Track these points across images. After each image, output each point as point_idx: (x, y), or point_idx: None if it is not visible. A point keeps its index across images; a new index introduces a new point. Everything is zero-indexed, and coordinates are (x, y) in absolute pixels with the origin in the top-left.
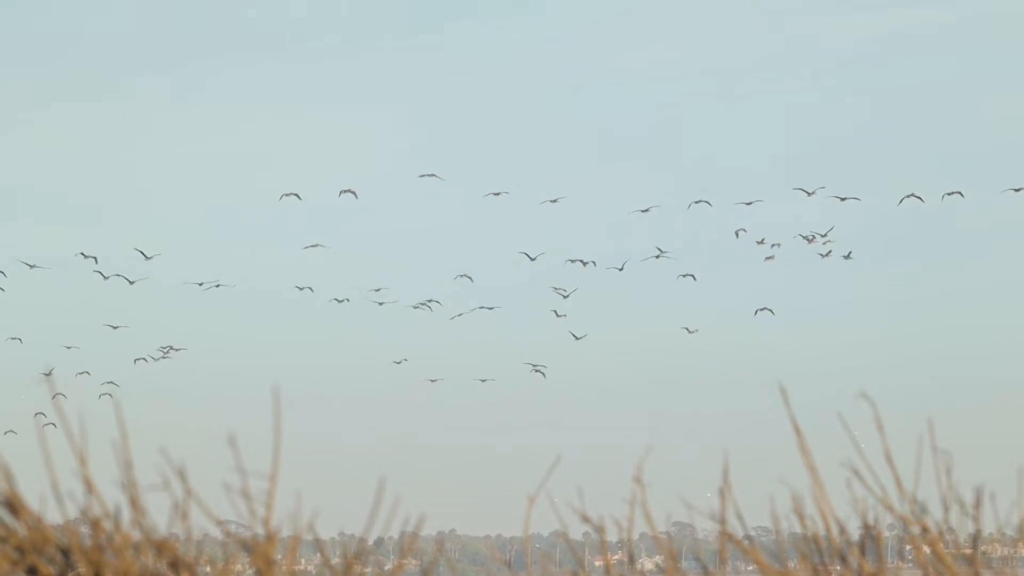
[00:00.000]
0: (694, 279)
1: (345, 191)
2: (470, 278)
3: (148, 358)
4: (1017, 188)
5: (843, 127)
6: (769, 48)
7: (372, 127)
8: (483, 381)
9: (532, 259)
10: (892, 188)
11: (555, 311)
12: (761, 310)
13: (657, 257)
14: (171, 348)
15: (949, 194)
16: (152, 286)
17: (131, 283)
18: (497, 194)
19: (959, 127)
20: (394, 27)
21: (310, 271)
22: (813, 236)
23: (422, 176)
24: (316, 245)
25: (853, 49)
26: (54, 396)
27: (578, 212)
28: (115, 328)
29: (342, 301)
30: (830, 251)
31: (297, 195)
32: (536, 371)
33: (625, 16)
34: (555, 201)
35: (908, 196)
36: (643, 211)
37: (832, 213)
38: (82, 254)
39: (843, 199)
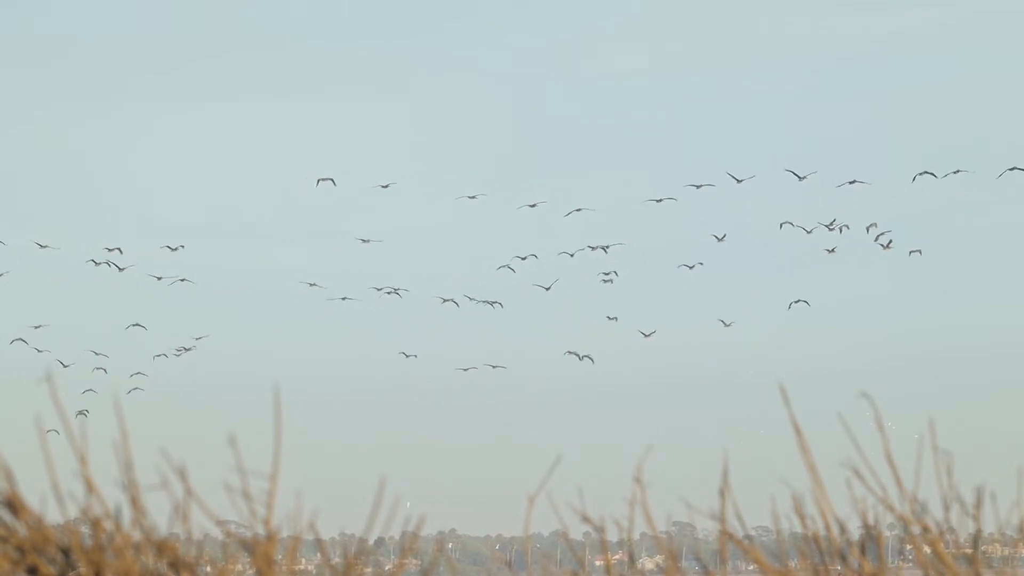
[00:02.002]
0: (702, 265)
1: (384, 185)
2: (511, 269)
3: (167, 354)
4: (1020, 167)
5: (843, 127)
6: (769, 48)
7: (372, 127)
8: (494, 367)
9: (523, 259)
10: (892, 188)
11: (608, 315)
12: (796, 302)
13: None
14: (196, 339)
15: (955, 172)
16: (147, 284)
17: (121, 269)
18: (533, 205)
19: (959, 127)
20: (394, 27)
21: (311, 271)
22: (874, 225)
23: (460, 198)
24: (368, 240)
25: (853, 49)
26: (84, 392)
27: (577, 212)
28: (140, 327)
29: (366, 296)
30: (890, 241)
31: (332, 180)
32: (584, 358)
33: (625, 16)
34: (579, 210)
35: (921, 174)
36: (657, 201)
37: (833, 212)
38: (106, 248)
39: (852, 182)
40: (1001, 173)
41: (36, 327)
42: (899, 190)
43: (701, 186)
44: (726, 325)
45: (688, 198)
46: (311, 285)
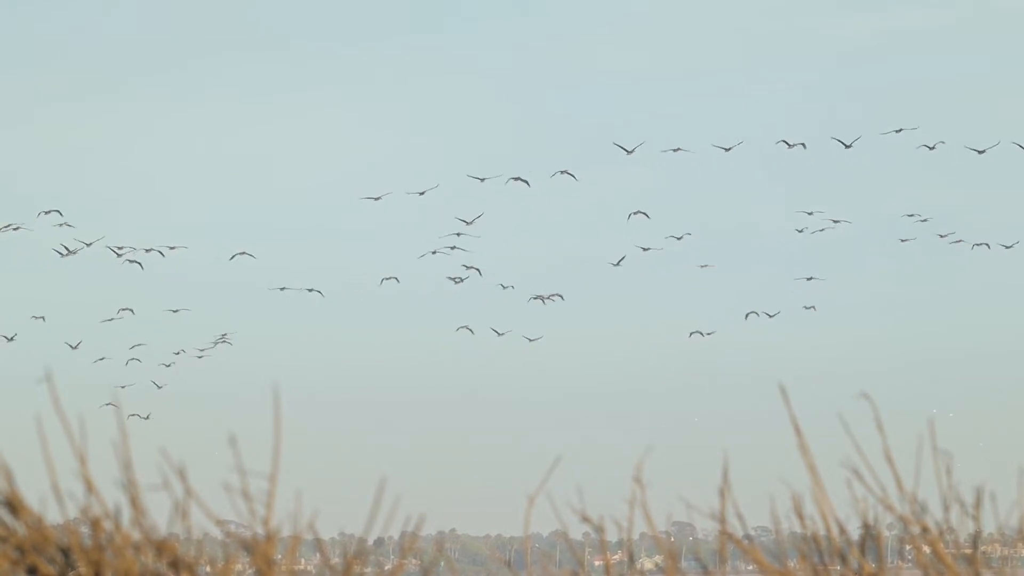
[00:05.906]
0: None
1: (421, 192)
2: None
3: (184, 351)
4: (980, 150)
5: (843, 126)
6: (768, 48)
7: (372, 127)
8: (531, 340)
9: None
10: (892, 186)
11: (754, 314)
12: (808, 279)
13: (643, 250)
14: (224, 336)
15: (931, 147)
16: (150, 282)
17: (143, 268)
18: (520, 180)
19: (959, 126)
20: (394, 27)
21: (312, 270)
22: (947, 235)
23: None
24: (461, 232)
25: (852, 48)
26: (122, 387)
27: (577, 211)
28: (175, 312)
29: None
30: (985, 243)
31: (374, 198)
32: (706, 335)
33: (625, 17)
34: (563, 172)
35: (897, 130)
36: (627, 152)
37: (833, 211)
38: (159, 251)
39: (848, 145)
40: (553, 174)
41: (120, 310)
42: (898, 190)
43: (678, 149)
44: (704, 335)
45: (688, 197)
46: (385, 279)
